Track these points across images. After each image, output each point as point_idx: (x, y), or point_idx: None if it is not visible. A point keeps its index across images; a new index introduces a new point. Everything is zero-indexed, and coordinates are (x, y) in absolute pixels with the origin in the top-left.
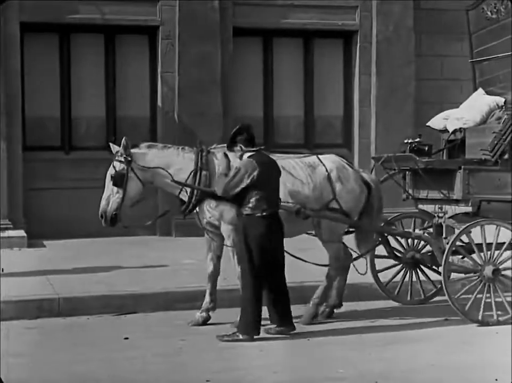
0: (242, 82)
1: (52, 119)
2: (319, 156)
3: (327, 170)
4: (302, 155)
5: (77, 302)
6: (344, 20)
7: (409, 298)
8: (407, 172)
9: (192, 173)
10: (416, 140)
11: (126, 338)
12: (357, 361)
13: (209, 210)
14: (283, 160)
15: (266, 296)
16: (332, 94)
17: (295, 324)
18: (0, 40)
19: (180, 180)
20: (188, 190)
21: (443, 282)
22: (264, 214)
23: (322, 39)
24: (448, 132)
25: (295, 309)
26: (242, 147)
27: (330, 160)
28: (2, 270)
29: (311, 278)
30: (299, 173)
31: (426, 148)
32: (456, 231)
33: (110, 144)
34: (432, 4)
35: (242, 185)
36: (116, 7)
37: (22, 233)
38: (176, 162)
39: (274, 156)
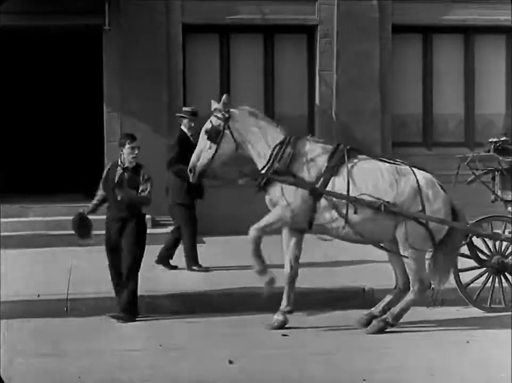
0: (401, 79)
1: None
2: (413, 167)
3: (417, 181)
4: (396, 162)
5: (236, 298)
6: (506, 16)
7: (488, 304)
8: (496, 173)
9: (277, 147)
10: (501, 139)
11: (285, 335)
12: None
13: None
14: (370, 162)
15: None
16: (494, 92)
17: None
18: (164, 41)
19: (265, 152)
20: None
21: None
22: None
23: (483, 35)
24: None
25: None
26: None
27: (422, 175)
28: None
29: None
30: (385, 176)
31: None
32: None
33: (212, 101)
34: None
35: None
36: (275, 7)
37: None
38: (269, 134)
39: (363, 156)
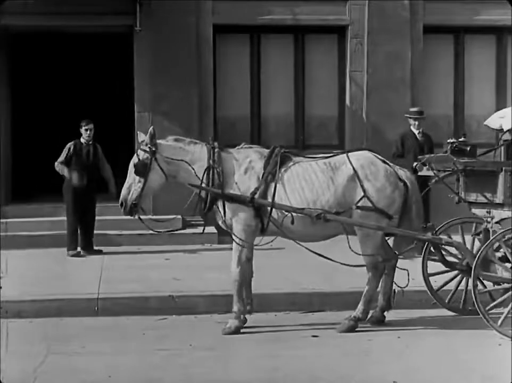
0: (432, 80)
1: (242, 118)
2: (349, 153)
3: (353, 169)
4: (330, 155)
5: (266, 299)
6: None
7: (461, 306)
8: (460, 174)
9: (205, 171)
10: (460, 139)
11: (315, 336)
12: None
13: (222, 210)
14: (304, 164)
15: None
16: None
17: None
18: (195, 42)
19: (199, 176)
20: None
21: (472, 292)
22: None
23: None
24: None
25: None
26: None
27: (356, 158)
28: None
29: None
30: (319, 177)
31: (468, 149)
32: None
33: (138, 132)
34: None
35: None
36: (306, 8)
37: (213, 229)
38: (201, 158)
39: (298, 159)
